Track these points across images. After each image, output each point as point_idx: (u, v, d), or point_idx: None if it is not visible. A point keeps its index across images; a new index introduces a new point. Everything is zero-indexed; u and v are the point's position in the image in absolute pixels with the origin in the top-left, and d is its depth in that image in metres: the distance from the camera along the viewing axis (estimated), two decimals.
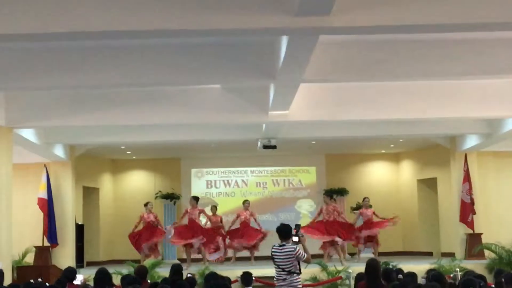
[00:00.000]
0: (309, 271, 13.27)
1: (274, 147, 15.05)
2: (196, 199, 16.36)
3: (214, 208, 16.98)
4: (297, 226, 8.92)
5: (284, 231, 8.61)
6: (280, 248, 8.53)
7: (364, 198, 16.75)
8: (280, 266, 8.49)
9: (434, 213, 18.75)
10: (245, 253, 16.64)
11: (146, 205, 16.41)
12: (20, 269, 13.48)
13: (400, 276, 8.13)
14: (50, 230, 15.47)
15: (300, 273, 8.61)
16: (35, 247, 15.46)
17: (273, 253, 8.66)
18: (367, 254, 16.52)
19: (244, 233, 16.36)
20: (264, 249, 15.58)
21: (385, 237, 17.15)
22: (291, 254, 8.41)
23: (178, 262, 13.64)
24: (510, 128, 13.43)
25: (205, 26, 6.97)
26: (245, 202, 16.92)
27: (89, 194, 18.95)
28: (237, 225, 16.59)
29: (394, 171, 20.48)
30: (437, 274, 7.30)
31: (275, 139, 14.84)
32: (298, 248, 8.47)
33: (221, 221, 16.74)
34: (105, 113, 12.31)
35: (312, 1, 6.43)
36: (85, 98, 12.09)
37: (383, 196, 18.29)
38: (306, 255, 8.60)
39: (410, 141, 17.73)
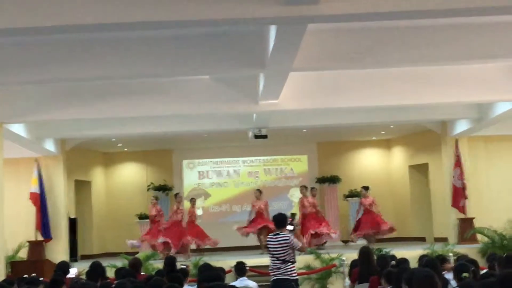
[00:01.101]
0: (303, 259, 13.31)
1: (265, 136, 15.03)
2: (175, 196, 16.33)
3: (192, 200, 16.79)
4: (293, 215, 8.93)
5: (279, 220, 8.61)
6: (275, 237, 8.54)
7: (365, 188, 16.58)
8: (275, 255, 8.49)
9: (426, 199, 18.79)
10: (240, 243, 16.56)
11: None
12: (14, 264, 13.44)
13: (393, 262, 8.17)
14: (44, 224, 15.44)
15: (295, 261, 8.64)
16: (29, 241, 15.41)
17: (267, 242, 8.67)
18: (361, 241, 16.55)
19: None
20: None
21: None
22: (286, 243, 8.41)
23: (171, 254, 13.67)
24: (500, 112, 13.52)
25: (193, 16, 6.93)
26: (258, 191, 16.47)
27: (81, 188, 18.89)
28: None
29: (385, 157, 20.50)
30: (430, 260, 7.34)
31: (266, 128, 14.82)
32: (292, 237, 8.49)
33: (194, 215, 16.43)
34: (95, 106, 12.27)
35: None
36: (75, 91, 12.05)
37: (375, 183, 18.28)
38: (300, 243, 8.63)
39: (401, 127, 17.75)
